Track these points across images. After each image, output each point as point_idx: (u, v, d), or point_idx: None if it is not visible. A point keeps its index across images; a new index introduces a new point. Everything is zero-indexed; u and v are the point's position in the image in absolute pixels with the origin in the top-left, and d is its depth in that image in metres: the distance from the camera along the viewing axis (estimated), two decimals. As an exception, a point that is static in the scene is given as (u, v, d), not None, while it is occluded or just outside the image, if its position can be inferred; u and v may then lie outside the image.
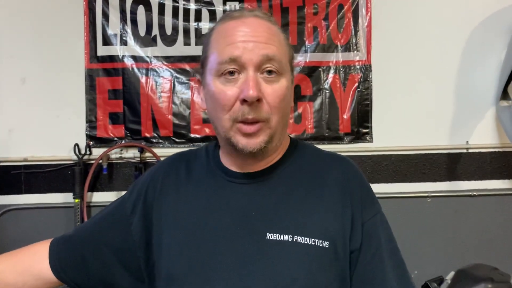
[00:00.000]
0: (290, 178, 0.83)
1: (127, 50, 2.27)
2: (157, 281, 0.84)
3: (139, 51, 2.27)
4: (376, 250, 0.79)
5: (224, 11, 2.27)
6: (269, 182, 0.82)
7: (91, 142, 2.26)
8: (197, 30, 2.27)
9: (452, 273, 1.96)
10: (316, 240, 0.75)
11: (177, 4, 2.27)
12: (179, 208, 0.84)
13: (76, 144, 2.21)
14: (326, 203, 0.79)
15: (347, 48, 2.29)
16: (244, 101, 0.74)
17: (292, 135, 2.23)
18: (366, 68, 2.29)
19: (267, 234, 0.76)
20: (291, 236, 0.76)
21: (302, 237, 0.75)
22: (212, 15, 2.27)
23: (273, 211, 0.79)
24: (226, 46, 0.76)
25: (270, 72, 0.76)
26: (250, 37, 0.75)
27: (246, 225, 0.78)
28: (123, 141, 2.27)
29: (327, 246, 0.76)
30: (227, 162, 0.86)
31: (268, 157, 0.83)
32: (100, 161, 2.21)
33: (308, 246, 0.75)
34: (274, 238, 0.76)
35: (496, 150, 2.31)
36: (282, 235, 0.76)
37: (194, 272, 0.77)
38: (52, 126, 2.25)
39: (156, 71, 2.27)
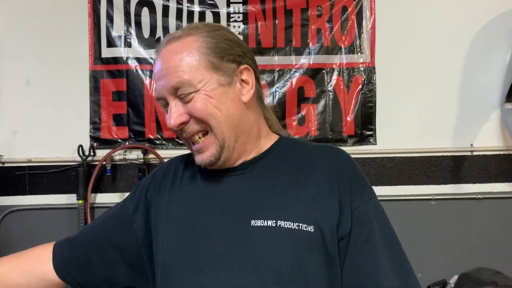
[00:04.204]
0: (276, 167, 0.85)
1: (131, 52, 2.27)
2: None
3: (143, 53, 2.27)
4: (368, 237, 0.78)
5: (228, 13, 2.28)
6: (255, 172, 0.84)
7: (95, 144, 2.27)
8: (201, 32, 2.28)
9: (455, 277, 1.96)
10: (300, 224, 0.76)
11: (181, 6, 2.28)
12: (172, 204, 0.87)
13: (80, 146, 2.22)
14: (311, 189, 0.80)
15: (351, 50, 2.29)
16: None
17: (296, 138, 2.24)
18: (370, 70, 2.28)
19: (252, 221, 0.78)
20: (274, 221, 0.77)
21: (286, 222, 0.76)
22: (216, 17, 2.28)
23: (258, 199, 0.80)
24: (153, 84, 0.83)
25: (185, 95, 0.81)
26: (160, 71, 0.82)
27: (232, 214, 0.80)
28: (127, 143, 2.27)
29: (312, 231, 0.76)
30: None
31: (243, 153, 0.85)
32: (104, 163, 2.22)
33: (291, 230, 0.76)
34: (258, 224, 0.77)
35: (501, 152, 2.29)
36: (265, 221, 0.77)
37: (185, 261, 0.80)
38: (56, 128, 2.26)
39: (160, 73, 2.28)
